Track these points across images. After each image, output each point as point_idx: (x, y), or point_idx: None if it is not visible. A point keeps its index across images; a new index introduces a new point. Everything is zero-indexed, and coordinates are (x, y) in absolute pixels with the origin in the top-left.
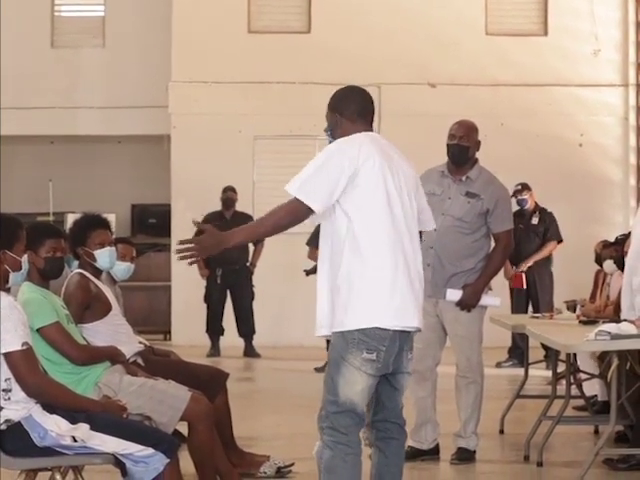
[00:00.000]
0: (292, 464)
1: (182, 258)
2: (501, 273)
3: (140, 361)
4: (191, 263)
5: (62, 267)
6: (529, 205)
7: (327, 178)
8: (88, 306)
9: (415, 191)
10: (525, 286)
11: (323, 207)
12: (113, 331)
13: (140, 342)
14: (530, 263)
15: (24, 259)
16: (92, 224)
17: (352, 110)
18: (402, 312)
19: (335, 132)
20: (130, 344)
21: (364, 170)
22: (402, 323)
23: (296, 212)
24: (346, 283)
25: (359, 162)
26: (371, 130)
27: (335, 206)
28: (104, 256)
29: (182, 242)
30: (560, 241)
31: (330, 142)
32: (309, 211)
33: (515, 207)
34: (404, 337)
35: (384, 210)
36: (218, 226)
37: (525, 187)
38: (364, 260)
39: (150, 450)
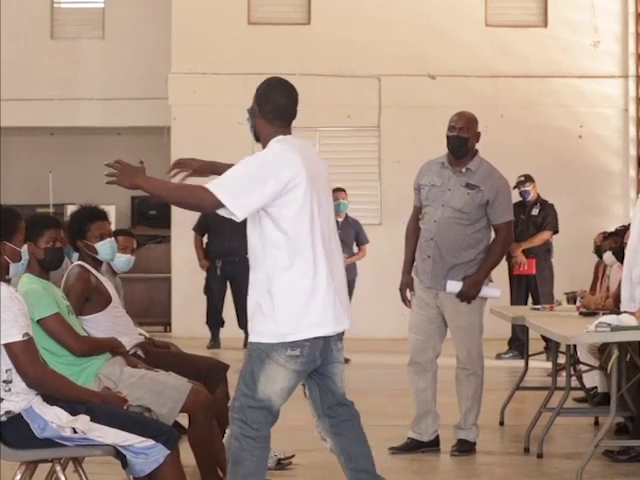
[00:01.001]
0: (292, 456)
1: (108, 181)
2: (503, 264)
3: (140, 353)
4: (109, 182)
5: (62, 257)
6: (532, 196)
7: (254, 187)
8: (88, 298)
9: (329, 192)
10: (534, 272)
11: (245, 215)
12: (113, 323)
13: (140, 334)
14: (520, 249)
15: (24, 250)
16: (91, 217)
17: (270, 109)
18: (330, 319)
19: (252, 119)
20: (130, 336)
21: (293, 186)
22: (333, 329)
23: (207, 205)
24: (273, 294)
25: (288, 179)
26: (289, 132)
27: (262, 218)
28: (105, 248)
29: (108, 165)
30: (556, 232)
31: (248, 121)
32: (218, 207)
33: (517, 198)
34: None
35: (309, 224)
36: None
37: (528, 179)
38: (290, 273)
39: (150, 442)
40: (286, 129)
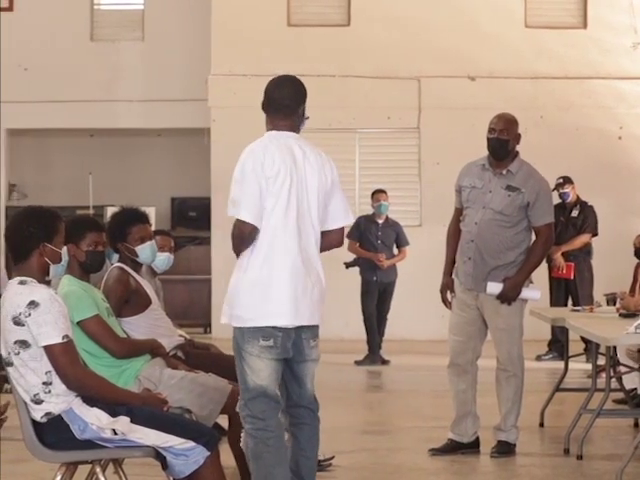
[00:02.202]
0: (332, 457)
1: None
2: (543, 266)
3: (180, 354)
4: None
5: (103, 261)
6: (571, 198)
7: (249, 191)
8: (127, 300)
9: (324, 191)
10: (572, 277)
11: (256, 218)
12: (152, 325)
13: (180, 335)
14: (559, 252)
15: (63, 251)
16: (132, 219)
17: (267, 103)
18: (295, 312)
19: None
20: (170, 337)
21: (268, 179)
22: (295, 322)
23: (242, 232)
24: (246, 281)
25: (264, 172)
26: (285, 126)
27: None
28: (146, 251)
29: None
30: (595, 234)
31: None
32: (253, 227)
33: (557, 200)
34: (300, 327)
35: (281, 216)
36: None
37: (567, 180)
38: (263, 262)
39: (191, 443)
40: (282, 122)
